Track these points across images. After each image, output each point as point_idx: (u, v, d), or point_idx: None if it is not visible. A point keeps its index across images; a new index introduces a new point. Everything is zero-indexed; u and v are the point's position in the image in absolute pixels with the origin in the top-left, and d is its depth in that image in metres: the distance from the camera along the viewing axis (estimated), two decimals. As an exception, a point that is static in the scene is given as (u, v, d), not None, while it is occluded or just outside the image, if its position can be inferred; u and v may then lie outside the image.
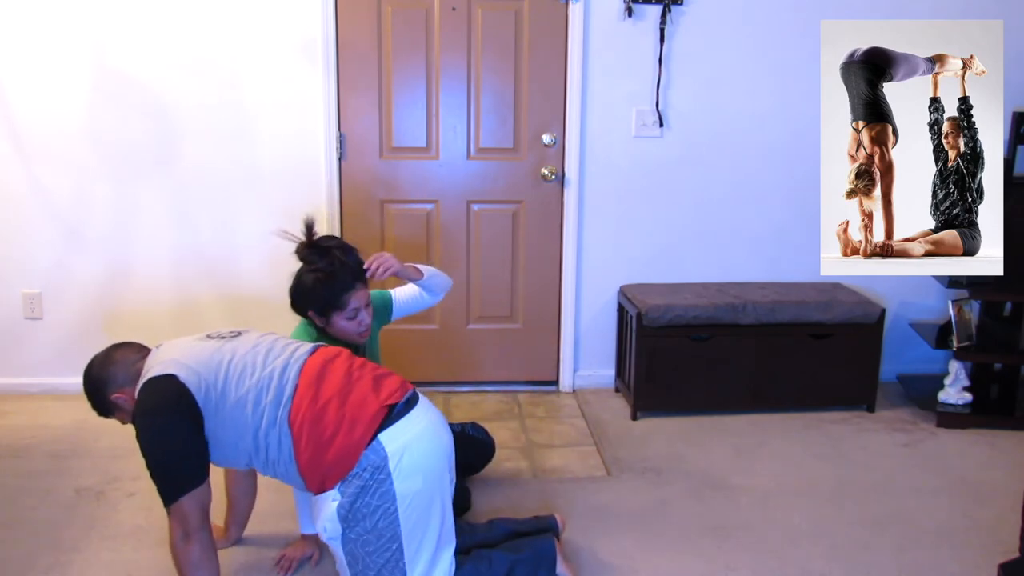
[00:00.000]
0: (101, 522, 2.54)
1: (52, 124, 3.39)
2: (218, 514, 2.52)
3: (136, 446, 3.06)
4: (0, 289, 3.52)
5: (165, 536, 2.45)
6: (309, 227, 2.33)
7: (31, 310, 3.54)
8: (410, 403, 2.02)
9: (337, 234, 3.56)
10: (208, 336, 2.11)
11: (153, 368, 1.99)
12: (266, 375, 1.99)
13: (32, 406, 3.45)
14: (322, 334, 2.38)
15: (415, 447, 1.96)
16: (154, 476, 1.93)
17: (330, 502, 1.95)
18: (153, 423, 1.93)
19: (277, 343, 2.10)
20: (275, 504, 2.63)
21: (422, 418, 2.02)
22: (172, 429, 1.93)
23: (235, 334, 2.12)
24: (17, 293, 3.53)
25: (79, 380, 3.54)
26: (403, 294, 2.64)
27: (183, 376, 1.95)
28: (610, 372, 3.78)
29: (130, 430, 3.24)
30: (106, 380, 2.08)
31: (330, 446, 1.93)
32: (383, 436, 1.93)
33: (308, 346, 2.10)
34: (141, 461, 2.90)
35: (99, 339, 3.55)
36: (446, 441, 2.06)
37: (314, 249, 2.31)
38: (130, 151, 3.44)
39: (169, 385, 1.95)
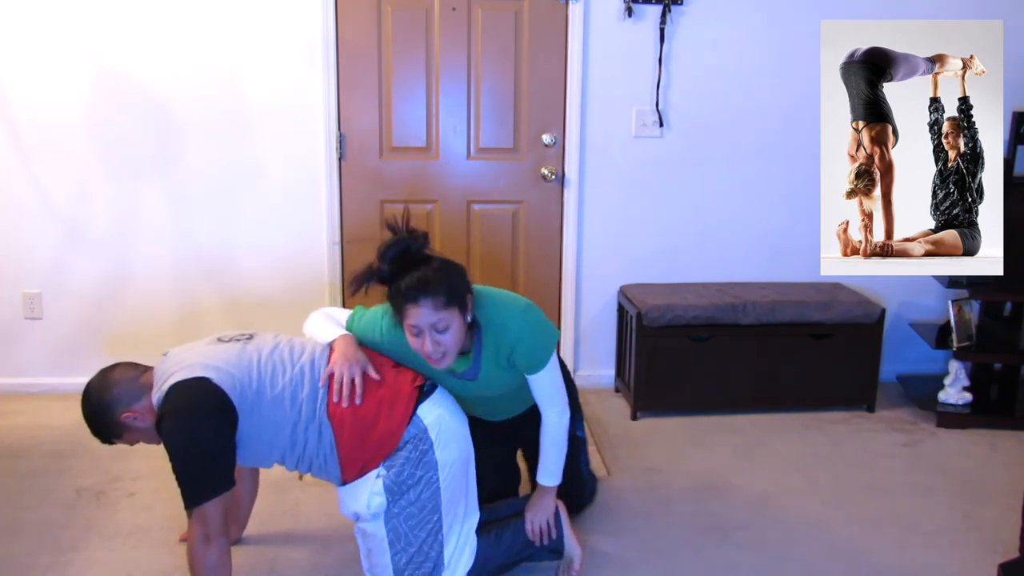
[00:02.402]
0: (101, 522, 2.54)
1: (52, 124, 3.39)
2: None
3: (135, 448, 3.06)
4: (0, 289, 3.52)
5: (165, 536, 2.45)
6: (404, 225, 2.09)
7: (31, 310, 3.54)
8: (431, 386, 2.13)
9: (337, 234, 3.56)
10: (219, 340, 2.10)
11: (175, 373, 1.97)
12: (298, 372, 2.03)
13: (32, 406, 3.45)
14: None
15: (447, 418, 2.08)
16: (182, 477, 1.91)
17: (375, 479, 2.02)
18: (188, 424, 1.91)
19: (295, 341, 2.13)
20: (275, 504, 2.63)
21: (445, 395, 2.14)
22: (207, 430, 1.92)
23: (247, 336, 2.12)
24: (17, 293, 3.53)
25: (79, 380, 3.55)
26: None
27: (215, 378, 1.95)
28: (610, 372, 3.78)
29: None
30: (111, 401, 2.05)
31: (374, 429, 2.01)
32: (420, 410, 2.05)
33: (325, 343, 2.13)
34: (141, 461, 2.93)
35: (99, 339, 3.57)
36: (466, 416, 2.19)
37: (404, 249, 2.03)
38: (130, 151, 3.44)
39: (203, 386, 1.94)
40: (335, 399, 2.01)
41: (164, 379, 1.99)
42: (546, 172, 3.58)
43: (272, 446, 2.01)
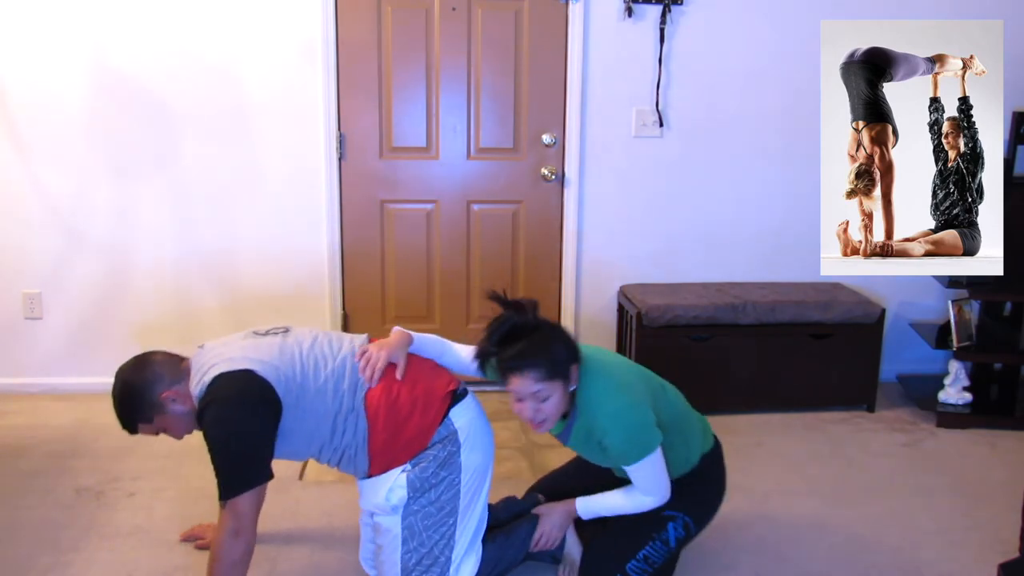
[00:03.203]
0: (101, 522, 2.54)
1: (52, 124, 3.39)
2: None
3: (135, 446, 3.06)
4: (0, 289, 3.52)
5: (165, 536, 2.45)
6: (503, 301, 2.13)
7: (31, 310, 3.54)
8: (464, 390, 2.17)
9: (337, 234, 3.56)
10: (256, 333, 2.11)
11: (217, 365, 1.97)
12: (338, 364, 2.05)
13: (32, 406, 3.45)
14: None
15: (477, 424, 2.12)
16: (221, 468, 1.90)
17: (399, 473, 2.04)
18: (233, 415, 1.91)
19: (331, 335, 2.16)
20: (275, 504, 2.63)
21: (474, 403, 2.17)
22: (251, 422, 1.92)
23: (284, 330, 2.14)
24: (17, 293, 3.53)
25: (79, 380, 3.59)
26: None
27: (260, 371, 1.96)
28: (610, 372, 3.78)
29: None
30: (152, 380, 2.02)
31: (406, 425, 2.03)
32: (452, 412, 2.08)
33: (363, 336, 2.17)
34: (141, 461, 2.93)
35: (99, 339, 3.57)
36: (491, 427, 2.20)
37: (512, 327, 2.06)
38: (130, 151, 3.44)
39: (249, 378, 1.94)
40: (360, 371, 2.04)
41: (204, 370, 1.99)
42: (546, 172, 3.58)
43: (312, 438, 2.02)
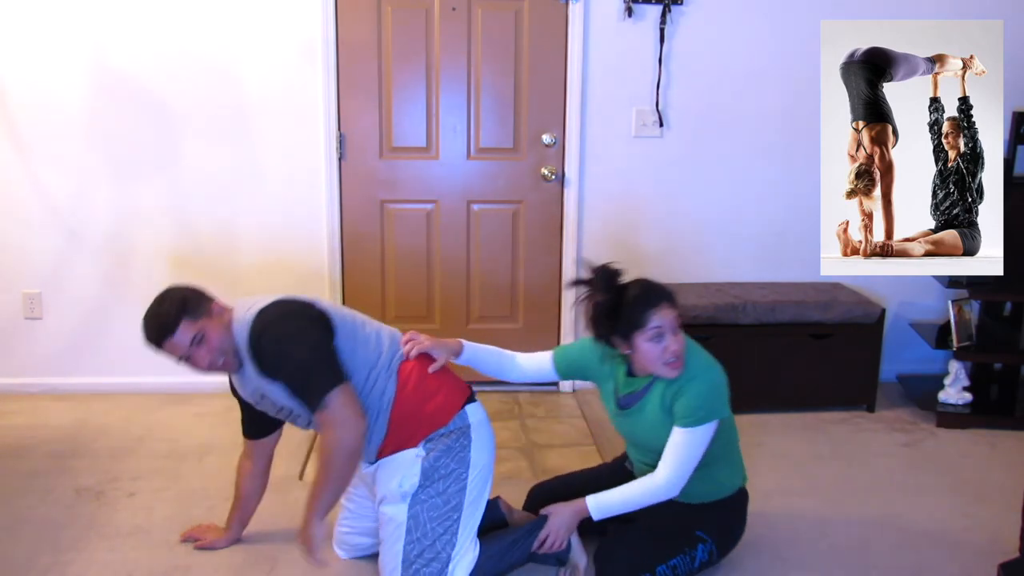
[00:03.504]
0: (101, 522, 2.54)
1: (52, 124, 3.39)
2: (221, 516, 2.53)
3: (135, 446, 3.06)
4: (0, 289, 3.52)
5: (165, 536, 2.45)
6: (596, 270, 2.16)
7: (31, 310, 3.54)
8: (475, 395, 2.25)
9: (337, 234, 3.56)
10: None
11: (256, 303, 2.05)
12: (382, 330, 2.18)
13: (32, 406, 3.45)
14: (619, 363, 2.25)
15: (485, 425, 2.19)
16: (299, 377, 1.96)
17: (413, 457, 2.08)
18: (295, 325, 2.00)
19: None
20: (275, 504, 2.63)
21: (483, 408, 2.23)
22: (313, 332, 2.00)
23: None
24: (17, 293, 3.53)
25: (79, 380, 3.59)
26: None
27: (315, 302, 2.08)
28: (610, 372, 3.78)
29: (129, 429, 3.24)
30: (203, 294, 2.09)
31: (432, 399, 2.11)
32: (468, 408, 2.16)
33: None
34: (141, 461, 2.93)
35: (99, 339, 3.57)
36: (494, 433, 2.26)
37: (612, 273, 2.14)
38: (130, 151, 3.44)
39: (300, 300, 2.07)
40: (401, 344, 2.16)
41: (249, 305, 2.06)
42: (546, 172, 3.58)
43: (355, 377, 2.07)
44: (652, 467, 2.20)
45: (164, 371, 3.60)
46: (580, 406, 3.58)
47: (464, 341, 2.28)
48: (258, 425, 2.33)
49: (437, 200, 3.61)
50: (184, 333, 2.01)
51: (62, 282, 3.53)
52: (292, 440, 3.10)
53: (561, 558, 2.25)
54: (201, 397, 3.55)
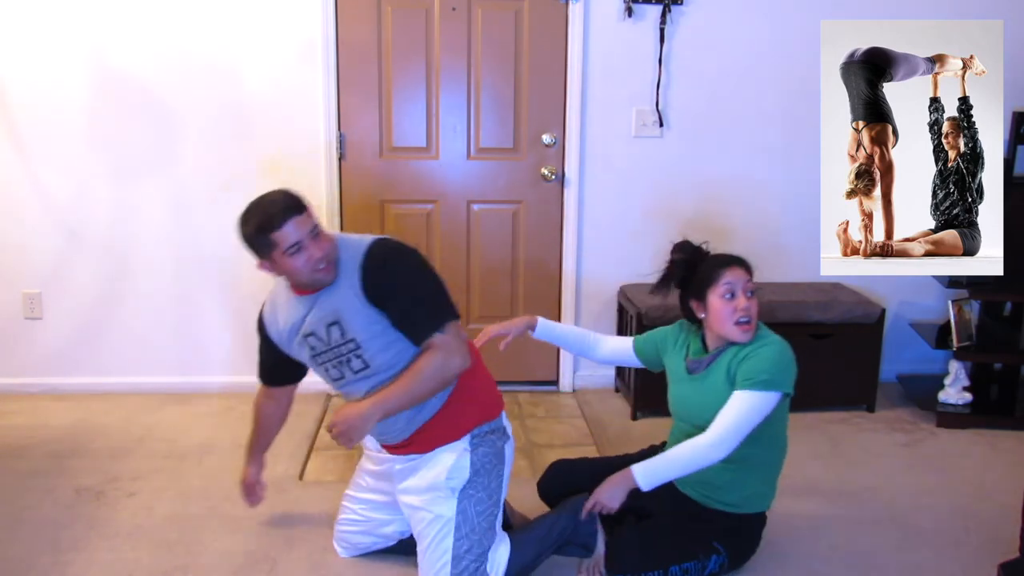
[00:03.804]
0: (101, 522, 2.54)
1: (52, 124, 3.39)
2: (221, 516, 2.52)
3: (135, 446, 3.06)
4: (0, 289, 3.52)
5: (165, 536, 2.45)
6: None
7: (31, 310, 3.54)
8: None
9: (337, 234, 3.56)
10: None
11: (367, 236, 2.12)
12: None
13: (32, 406, 3.45)
14: (694, 336, 2.32)
15: (510, 428, 2.25)
16: (425, 302, 2.03)
17: (462, 451, 2.10)
18: (420, 259, 2.08)
19: None
20: (275, 504, 2.63)
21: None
22: (433, 270, 2.10)
23: None
24: (17, 293, 3.53)
25: (79, 380, 3.59)
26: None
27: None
28: (610, 372, 3.78)
29: (129, 429, 3.23)
30: (301, 197, 2.08)
31: (488, 390, 2.19)
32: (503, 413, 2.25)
33: None
34: (141, 461, 2.93)
35: (99, 339, 3.57)
36: None
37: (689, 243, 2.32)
38: (130, 151, 3.44)
39: (411, 246, 2.13)
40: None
41: (358, 236, 2.12)
42: (546, 172, 3.58)
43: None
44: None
45: (164, 371, 3.62)
46: (580, 406, 3.58)
47: (540, 317, 2.44)
48: (280, 372, 2.32)
49: (437, 200, 3.61)
50: (308, 218, 2.03)
51: (62, 282, 3.53)
52: (292, 440, 3.10)
53: (588, 545, 2.24)
54: (201, 397, 3.55)
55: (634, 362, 2.47)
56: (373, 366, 2.05)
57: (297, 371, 2.31)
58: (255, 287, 3.57)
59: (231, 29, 3.37)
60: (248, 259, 3.60)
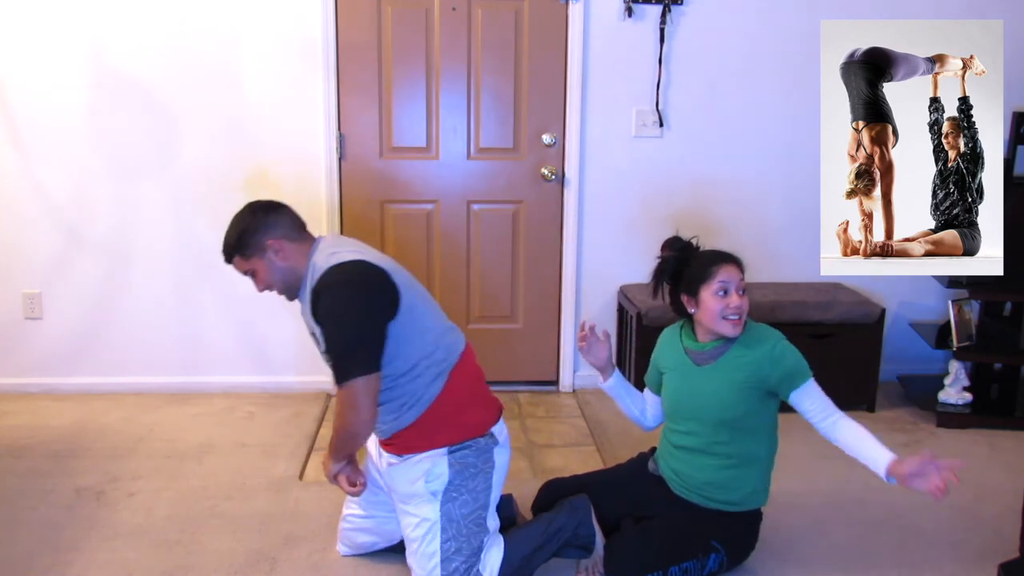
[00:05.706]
0: (101, 522, 2.54)
1: (52, 124, 3.39)
2: (221, 516, 2.51)
3: (135, 446, 3.06)
4: (0, 289, 3.52)
5: (165, 536, 2.45)
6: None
7: (31, 310, 3.54)
8: None
9: (337, 234, 3.56)
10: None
11: (352, 252, 2.05)
12: (454, 328, 2.18)
13: (32, 406, 3.45)
14: (685, 332, 2.33)
15: (504, 432, 2.21)
16: (337, 348, 1.98)
17: (438, 457, 2.08)
18: (354, 298, 1.98)
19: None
20: (275, 504, 2.63)
21: (504, 425, 2.27)
22: (371, 309, 1.98)
23: None
24: (17, 293, 3.53)
25: (79, 380, 3.59)
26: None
27: (388, 269, 2.05)
28: (610, 372, 3.78)
29: (129, 429, 3.23)
30: (270, 224, 2.13)
31: (470, 412, 2.13)
32: (495, 427, 2.19)
33: None
34: (141, 461, 2.93)
35: (99, 339, 3.57)
36: None
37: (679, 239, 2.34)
38: (130, 151, 3.44)
39: (376, 271, 2.02)
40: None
41: (335, 249, 2.07)
42: (546, 172, 3.58)
43: (393, 363, 2.05)
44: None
45: (164, 371, 3.62)
46: (580, 406, 3.58)
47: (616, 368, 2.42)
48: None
49: (437, 200, 3.61)
50: (238, 265, 2.18)
51: (62, 282, 3.53)
52: (292, 440, 3.10)
53: (587, 546, 2.24)
54: (201, 397, 3.55)
55: (660, 403, 2.44)
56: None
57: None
58: (255, 287, 3.57)
59: (231, 29, 3.37)
60: (248, 259, 3.60)
